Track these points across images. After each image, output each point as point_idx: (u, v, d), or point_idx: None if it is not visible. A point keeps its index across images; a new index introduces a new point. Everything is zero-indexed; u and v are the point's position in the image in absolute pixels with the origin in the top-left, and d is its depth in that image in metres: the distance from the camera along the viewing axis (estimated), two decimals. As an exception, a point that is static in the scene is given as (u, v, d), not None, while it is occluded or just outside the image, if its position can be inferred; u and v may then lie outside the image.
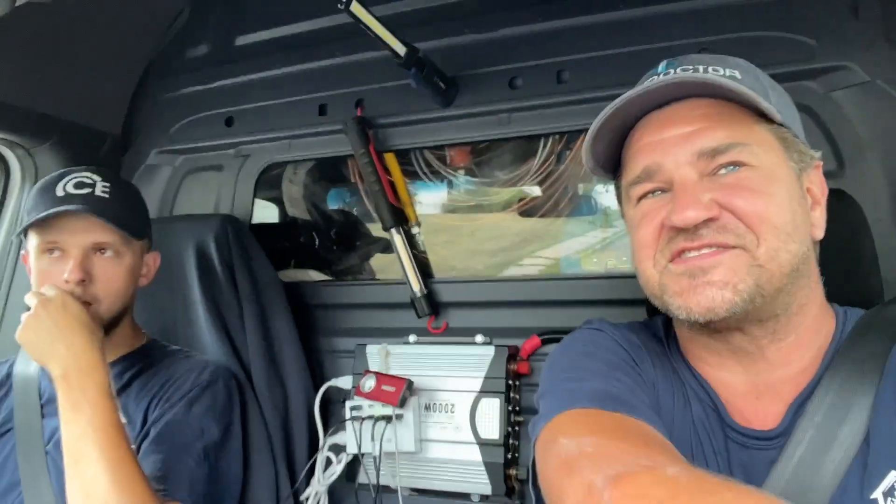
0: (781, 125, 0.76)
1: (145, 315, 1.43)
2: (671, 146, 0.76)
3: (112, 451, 1.01)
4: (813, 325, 0.79)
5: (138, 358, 1.32)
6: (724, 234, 0.73)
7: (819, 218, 0.79)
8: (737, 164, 0.74)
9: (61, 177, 1.24)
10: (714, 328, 0.76)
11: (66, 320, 1.11)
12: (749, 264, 0.72)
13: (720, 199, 0.73)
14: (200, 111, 1.80)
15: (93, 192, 1.22)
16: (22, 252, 1.32)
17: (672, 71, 0.79)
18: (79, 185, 1.22)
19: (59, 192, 1.20)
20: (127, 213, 1.25)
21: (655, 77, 0.80)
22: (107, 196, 1.22)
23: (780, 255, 0.72)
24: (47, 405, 1.24)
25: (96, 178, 1.24)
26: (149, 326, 1.42)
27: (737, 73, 0.77)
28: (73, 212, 1.18)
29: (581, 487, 0.59)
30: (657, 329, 0.91)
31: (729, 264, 0.72)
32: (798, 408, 0.75)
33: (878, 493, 0.67)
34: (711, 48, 1.30)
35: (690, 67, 0.78)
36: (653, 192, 0.79)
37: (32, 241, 1.21)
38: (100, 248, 1.21)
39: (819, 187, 0.80)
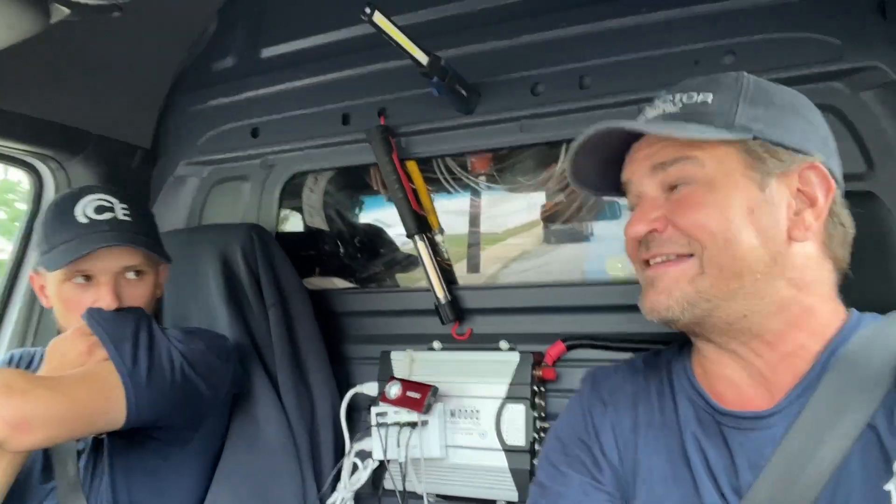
0: (755, 138, 0.82)
1: (171, 324, 1.45)
2: (637, 163, 0.89)
3: None
4: (806, 322, 0.82)
5: None
6: (668, 245, 0.84)
7: (812, 219, 0.82)
8: (684, 181, 0.83)
9: (75, 199, 1.22)
10: (691, 331, 0.87)
11: (62, 358, 1.15)
12: (695, 273, 0.81)
13: (667, 214, 0.84)
14: (227, 123, 1.83)
15: (115, 216, 1.22)
16: (30, 272, 1.32)
17: (659, 102, 0.89)
18: (99, 210, 1.21)
19: (81, 217, 1.20)
20: (150, 234, 1.28)
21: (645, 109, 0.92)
22: (129, 219, 1.23)
23: (721, 260, 0.80)
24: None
25: (112, 199, 1.24)
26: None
27: (709, 98, 0.84)
28: (106, 245, 1.18)
29: None
30: (674, 350, 0.98)
31: (674, 275, 0.83)
32: (798, 395, 0.80)
33: (891, 486, 0.72)
34: (737, 51, 1.29)
35: (669, 98, 0.88)
36: (635, 205, 0.90)
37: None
38: (126, 271, 1.24)
39: (816, 187, 0.83)
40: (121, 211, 1.23)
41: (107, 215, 1.21)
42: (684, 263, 0.82)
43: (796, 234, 0.81)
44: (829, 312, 0.84)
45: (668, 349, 1.00)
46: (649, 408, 0.92)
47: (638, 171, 0.88)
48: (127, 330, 1.15)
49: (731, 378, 0.86)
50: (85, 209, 1.21)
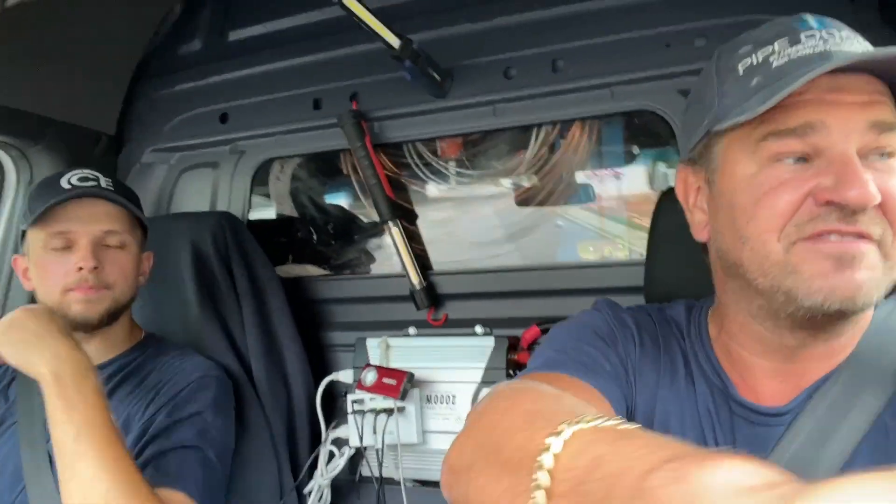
0: None
1: (142, 316, 1.43)
2: (844, 110, 0.67)
3: (110, 451, 1.00)
4: (859, 316, 0.74)
5: (136, 354, 1.32)
6: (873, 225, 0.67)
7: None
8: (889, 153, 0.68)
9: (61, 174, 1.25)
10: (811, 320, 0.70)
11: (47, 327, 1.09)
12: (883, 263, 0.68)
13: (879, 186, 0.65)
14: (194, 108, 1.79)
15: (98, 183, 1.25)
16: (14, 256, 1.31)
17: (825, 31, 0.71)
18: (83, 179, 1.24)
19: (65, 184, 1.22)
20: (131, 201, 1.28)
21: (808, 33, 0.71)
22: (111, 189, 1.25)
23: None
24: None
25: (98, 174, 1.27)
26: (146, 327, 1.41)
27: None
28: (87, 195, 1.20)
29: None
30: (676, 313, 0.88)
31: (871, 258, 0.67)
32: (812, 392, 0.74)
33: None
34: (708, 34, 1.30)
35: (835, 31, 0.71)
36: (791, 155, 0.69)
37: (36, 236, 1.21)
38: (107, 237, 1.23)
39: None
40: (104, 182, 1.26)
41: (90, 182, 1.24)
42: (869, 245, 0.67)
43: None
44: None
45: (669, 308, 0.90)
46: (670, 366, 0.82)
47: (848, 121, 0.67)
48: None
49: (759, 368, 0.78)
50: (70, 179, 1.23)
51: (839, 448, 0.69)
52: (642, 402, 0.80)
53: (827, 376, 0.74)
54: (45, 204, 1.18)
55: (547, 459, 0.44)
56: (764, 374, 0.78)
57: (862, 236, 0.66)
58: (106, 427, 1.02)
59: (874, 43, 0.76)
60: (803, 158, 0.69)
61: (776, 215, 0.68)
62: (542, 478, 0.43)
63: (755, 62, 0.71)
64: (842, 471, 0.69)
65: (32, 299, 1.35)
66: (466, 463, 0.57)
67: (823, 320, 0.69)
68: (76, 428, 1.00)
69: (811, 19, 0.73)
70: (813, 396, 0.73)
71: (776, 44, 0.71)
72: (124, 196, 1.27)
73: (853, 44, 0.70)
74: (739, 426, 0.77)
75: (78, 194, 1.20)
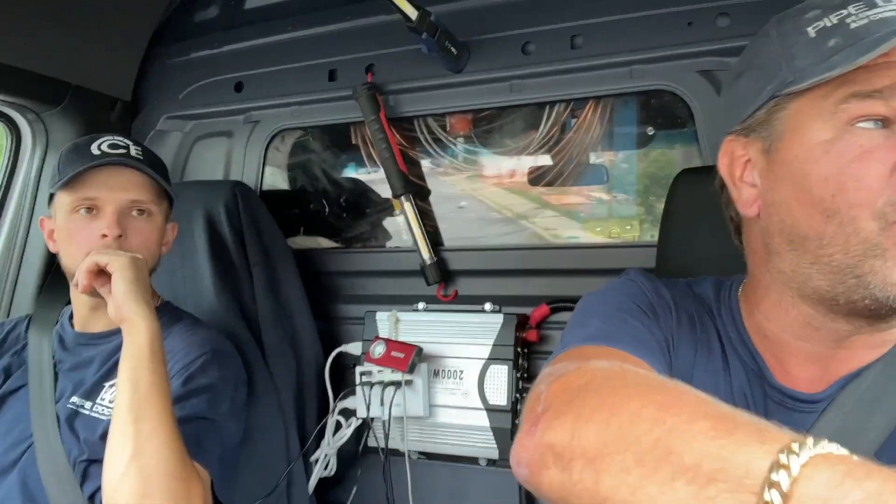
0: None
1: (155, 281, 1.44)
2: None
3: (169, 412, 1.04)
4: None
5: None
6: None
7: None
8: None
9: (93, 139, 1.25)
10: (874, 310, 0.67)
11: (146, 282, 1.15)
12: None
13: None
14: (210, 76, 1.79)
15: (128, 152, 1.24)
16: (41, 217, 1.33)
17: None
18: (113, 146, 1.24)
19: (95, 150, 1.22)
20: (160, 171, 1.28)
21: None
22: (141, 158, 1.25)
23: None
24: (58, 364, 1.27)
25: (128, 141, 1.27)
26: (159, 292, 1.43)
27: None
28: (115, 164, 1.20)
29: (532, 395, 0.62)
30: (704, 290, 0.86)
31: None
32: (850, 379, 0.72)
33: None
34: (730, 12, 1.27)
35: None
36: (874, 118, 0.65)
37: (63, 199, 1.22)
38: (134, 207, 1.24)
39: None
40: (134, 150, 1.26)
41: (121, 150, 1.24)
42: None
43: None
44: None
45: (696, 284, 0.87)
46: (706, 345, 0.79)
47: None
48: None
49: (799, 351, 0.75)
50: (100, 145, 1.23)
51: (872, 437, 0.68)
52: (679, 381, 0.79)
53: (867, 366, 0.72)
54: (75, 169, 1.18)
55: (783, 480, 0.40)
56: (804, 357, 0.75)
57: None
58: (168, 388, 1.07)
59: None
60: (883, 124, 0.64)
61: (866, 188, 0.63)
62: (776, 500, 0.40)
63: (829, 24, 0.67)
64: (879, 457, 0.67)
65: (52, 260, 1.36)
66: (592, 451, 0.50)
67: (887, 312, 0.66)
68: (147, 386, 1.04)
69: None
70: (847, 386, 0.71)
71: (851, 7, 0.67)
72: (153, 166, 1.26)
73: None
74: (773, 410, 0.74)
75: (107, 162, 1.20)
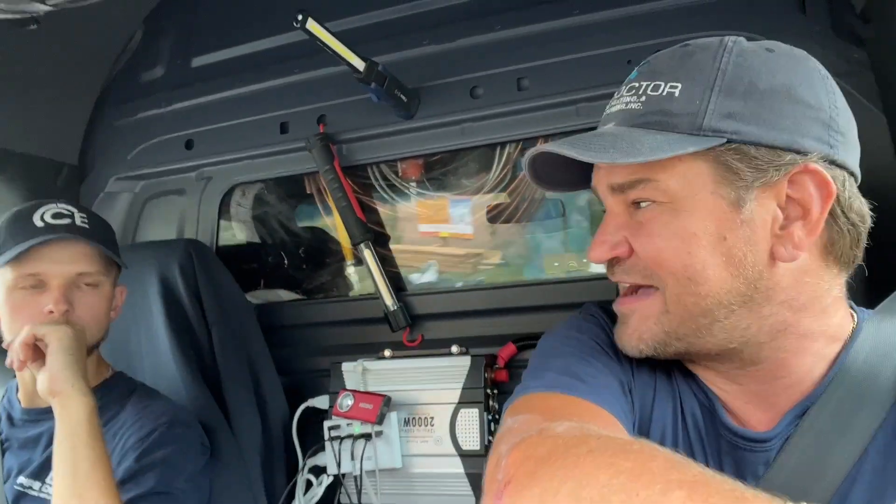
0: (729, 141, 0.67)
1: (110, 347, 1.39)
2: (598, 174, 0.77)
3: (113, 491, 1.02)
4: (809, 345, 0.72)
5: (102, 393, 1.28)
6: (632, 273, 0.74)
7: (803, 235, 0.67)
8: (647, 199, 0.71)
9: (34, 208, 1.21)
10: (681, 359, 0.77)
11: (84, 355, 1.11)
12: (660, 311, 0.72)
13: (629, 238, 0.73)
14: (159, 135, 1.76)
15: (73, 222, 1.20)
16: None
17: (625, 92, 0.74)
18: (57, 216, 1.20)
19: (38, 222, 1.17)
20: (107, 240, 1.24)
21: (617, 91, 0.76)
22: (87, 226, 1.21)
23: (683, 299, 0.70)
24: (6, 443, 1.22)
25: (72, 208, 1.23)
26: (114, 359, 1.38)
27: (676, 90, 0.69)
28: (60, 240, 1.16)
29: (493, 459, 0.60)
30: None
31: (641, 313, 0.74)
32: (797, 415, 0.72)
33: None
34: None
35: (635, 88, 0.73)
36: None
37: (6, 275, 1.17)
38: (81, 281, 1.19)
39: (811, 195, 0.67)
40: (79, 218, 1.22)
41: (65, 220, 1.20)
42: (650, 298, 0.73)
43: (781, 254, 0.67)
44: (835, 327, 0.73)
45: None
46: (664, 379, 0.80)
47: (601, 184, 0.76)
48: None
49: (727, 389, 0.76)
50: (43, 216, 1.19)
51: (833, 473, 0.67)
52: (639, 420, 0.78)
53: (811, 398, 0.72)
54: (17, 245, 1.14)
55: None
56: (735, 397, 0.76)
57: (628, 284, 0.76)
58: (109, 469, 1.05)
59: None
60: None
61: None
62: None
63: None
64: (843, 495, 0.67)
65: None
66: None
67: (680, 357, 0.75)
68: (90, 464, 1.01)
69: (633, 72, 0.76)
70: (801, 421, 0.71)
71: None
72: (99, 231, 1.23)
73: (630, 104, 0.73)
74: (726, 450, 0.74)
75: (52, 238, 1.15)
